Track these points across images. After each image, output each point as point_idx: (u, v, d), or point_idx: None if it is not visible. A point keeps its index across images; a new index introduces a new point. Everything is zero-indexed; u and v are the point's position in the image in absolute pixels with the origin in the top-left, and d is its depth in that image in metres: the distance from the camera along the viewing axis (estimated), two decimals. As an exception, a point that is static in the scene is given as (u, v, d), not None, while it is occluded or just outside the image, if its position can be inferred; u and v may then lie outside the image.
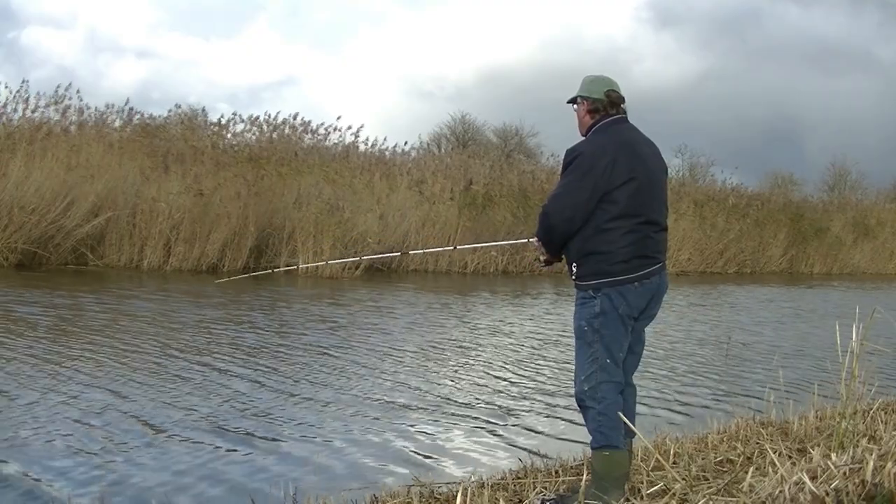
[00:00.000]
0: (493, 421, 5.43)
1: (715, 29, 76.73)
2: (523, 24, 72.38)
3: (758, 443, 4.28)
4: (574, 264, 3.29)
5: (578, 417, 3.59)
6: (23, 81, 16.34)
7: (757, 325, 12.12)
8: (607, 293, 3.20)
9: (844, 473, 3.20)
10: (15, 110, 15.83)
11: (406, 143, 31.39)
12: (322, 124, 20.98)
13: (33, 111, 16.05)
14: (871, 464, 3.21)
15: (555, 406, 5.93)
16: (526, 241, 3.94)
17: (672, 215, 4.51)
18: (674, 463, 3.78)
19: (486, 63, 67.41)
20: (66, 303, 9.81)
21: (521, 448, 4.74)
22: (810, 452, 3.65)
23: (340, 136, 20.72)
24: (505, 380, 6.86)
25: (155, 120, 18.77)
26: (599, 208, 3.19)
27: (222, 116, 24.03)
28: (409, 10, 77.19)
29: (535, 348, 8.69)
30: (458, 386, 6.50)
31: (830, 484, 3.09)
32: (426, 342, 8.65)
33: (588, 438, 3.28)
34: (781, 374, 5.92)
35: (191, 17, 72.36)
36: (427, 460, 4.50)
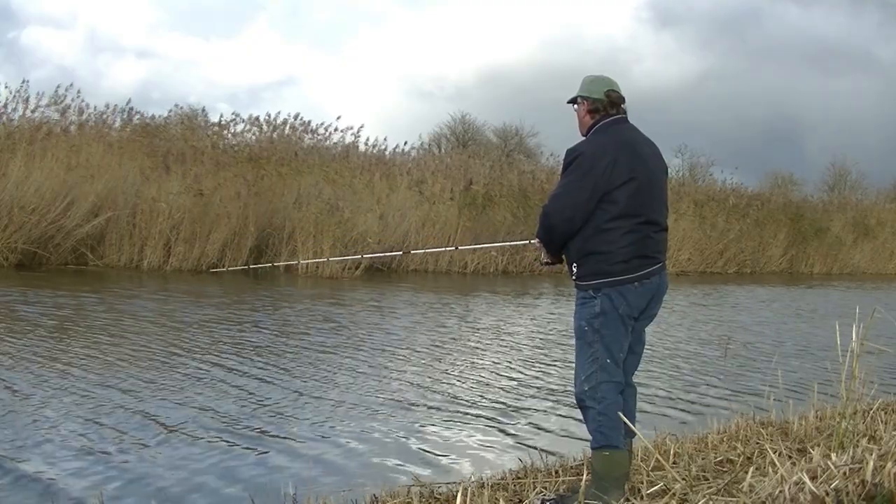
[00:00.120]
0: (493, 421, 5.43)
1: (715, 29, 76.79)
2: (523, 24, 72.44)
3: (758, 443, 4.28)
4: (574, 264, 3.29)
5: (578, 417, 3.60)
6: (23, 81, 16.35)
7: (757, 324, 12.12)
8: (607, 293, 3.20)
9: (844, 473, 3.20)
10: (15, 110, 15.85)
11: (406, 143, 31.39)
12: (322, 124, 21.02)
13: (33, 111, 16.06)
14: (871, 464, 3.21)
15: (555, 406, 5.94)
16: (527, 241, 3.94)
17: (672, 215, 4.50)
18: (674, 463, 3.79)
19: (486, 63, 67.47)
20: (69, 303, 9.82)
21: (521, 448, 4.74)
22: (810, 452, 3.65)
23: (341, 137, 20.76)
24: (505, 380, 6.86)
25: (155, 120, 18.81)
26: (599, 208, 3.19)
27: (222, 116, 24.02)
28: (409, 10, 77.26)
29: (535, 348, 8.69)
30: (458, 386, 6.50)
31: (830, 484, 3.09)
32: (427, 342, 8.65)
33: (588, 438, 3.28)
34: (781, 374, 5.91)
35: (191, 17, 72.44)
36: (427, 460, 4.50)
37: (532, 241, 3.57)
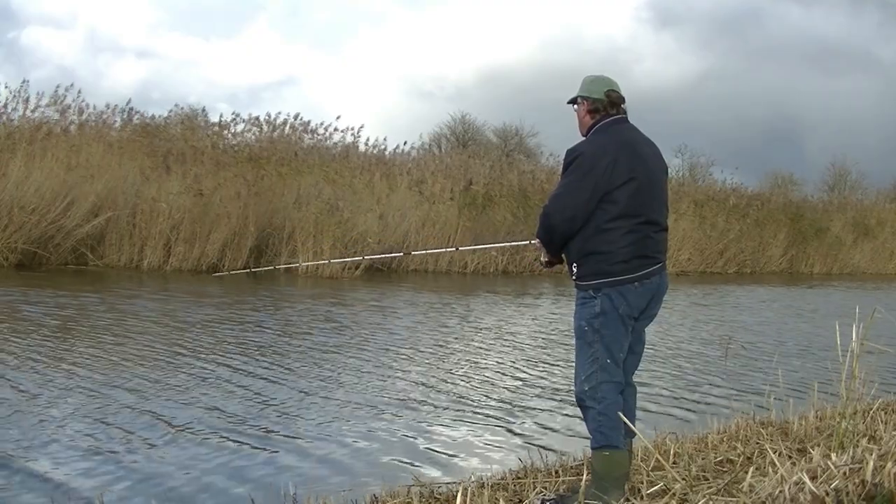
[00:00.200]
0: (493, 421, 5.43)
1: (715, 29, 76.78)
2: (523, 24, 72.44)
3: (758, 443, 4.28)
4: (574, 264, 3.29)
5: (578, 417, 3.60)
6: (23, 81, 16.35)
7: (757, 324, 12.12)
8: (607, 293, 3.20)
9: (844, 473, 3.20)
10: (15, 110, 15.84)
11: (406, 142, 31.39)
12: (322, 124, 21.02)
13: (33, 111, 16.06)
14: (871, 464, 3.21)
15: (555, 406, 5.94)
16: (527, 242, 3.94)
17: (672, 215, 4.49)
18: (674, 463, 3.79)
19: (486, 63, 67.46)
20: (71, 303, 9.82)
21: (521, 448, 4.74)
22: (810, 452, 3.65)
23: (341, 137, 20.77)
24: (506, 380, 6.86)
25: (155, 120, 18.81)
26: (600, 208, 3.19)
27: (222, 116, 24.02)
28: (409, 10, 77.24)
29: (536, 348, 8.69)
30: (459, 386, 6.50)
31: (830, 484, 3.09)
32: (429, 342, 8.65)
33: (588, 438, 3.28)
34: (782, 374, 5.92)
35: (191, 17, 72.41)
36: (427, 460, 4.50)
37: (532, 242, 3.57)
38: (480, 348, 8.50)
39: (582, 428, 3.54)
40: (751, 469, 3.50)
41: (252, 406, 5.48)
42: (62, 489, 3.76)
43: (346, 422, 5.20)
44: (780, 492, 3.03)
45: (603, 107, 3.35)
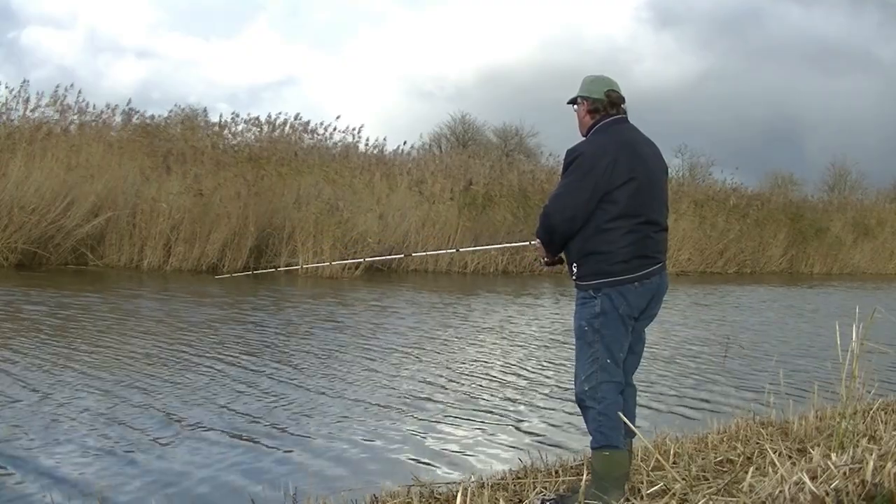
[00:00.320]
0: (493, 421, 5.43)
1: (715, 29, 76.80)
2: (523, 24, 72.46)
3: (758, 443, 4.28)
4: (574, 264, 3.29)
5: (579, 417, 3.59)
6: (23, 81, 16.35)
7: (757, 324, 12.12)
8: (608, 293, 3.20)
9: (844, 473, 3.20)
10: (15, 110, 15.85)
11: (406, 142, 31.41)
12: (321, 123, 21.02)
13: (33, 111, 16.07)
14: (871, 464, 3.21)
15: (555, 406, 5.94)
16: (527, 243, 3.93)
17: (672, 215, 4.50)
18: (674, 463, 3.79)
19: (486, 63, 67.48)
20: (74, 303, 9.83)
21: (521, 448, 4.74)
22: (810, 452, 3.65)
23: (342, 137, 20.77)
24: (506, 380, 6.86)
25: (155, 120, 18.81)
26: (600, 208, 3.19)
27: (222, 116, 24.03)
28: (409, 10, 77.27)
29: (537, 348, 8.69)
30: (460, 386, 6.50)
31: (830, 484, 3.09)
32: (429, 342, 8.65)
33: (588, 438, 3.28)
34: (782, 374, 5.92)
35: (191, 17, 72.45)
36: (427, 460, 4.50)
37: (532, 242, 3.57)
38: (481, 348, 8.49)
39: (582, 428, 3.55)
40: (751, 469, 3.50)
41: (252, 406, 5.48)
42: (65, 488, 3.77)
43: (346, 422, 5.20)
44: (780, 492, 3.03)
45: (603, 107, 3.35)
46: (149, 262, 14.70)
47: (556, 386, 6.66)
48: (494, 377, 6.94)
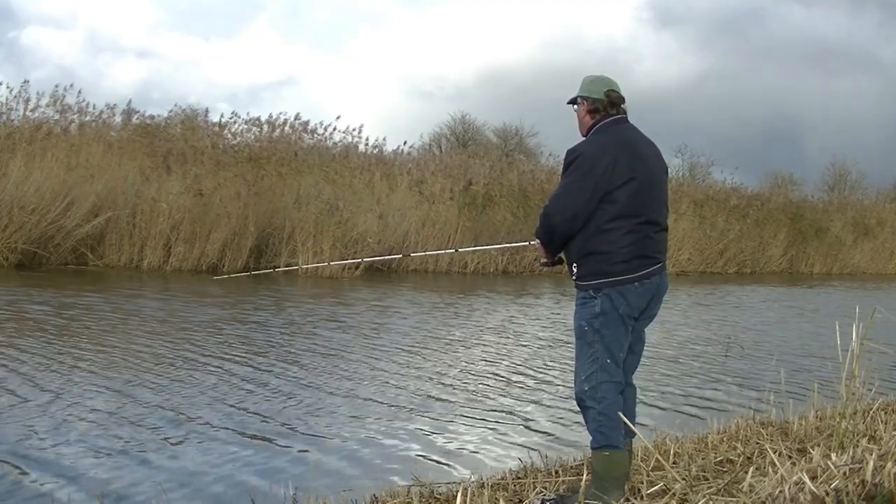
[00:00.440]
0: (494, 421, 5.44)
1: (715, 29, 76.83)
2: (523, 24, 72.47)
3: (758, 443, 4.28)
4: (574, 264, 3.29)
5: (579, 417, 3.59)
6: (24, 81, 16.36)
7: (758, 324, 12.12)
8: (608, 293, 3.20)
9: (844, 473, 3.20)
10: (15, 110, 15.85)
11: (406, 142, 31.42)
12: (321, 123, 21.02)
13: (33, 111, 16.07)
14: (871, 464, 3.21)
15: (555, 406, 5.94)
16: (525, 243, 3.93)
17: (672, 215, 4.50)
18: (674, 463, 3.78)
19: (486, 63, 67.49)
20: (76, 303, 9.84)
21: (521, 448, 4.74)
22: (810, 452, 3.64)
23: (342, 137, 20.77)
24: (507, 380, 6.86)
25: (155, 120, 18.81)
26: (600, 208, 3.19)
27: (222, 116, 24.03)
28: (409, 10, 77.29)
29: (536, 348, 8.69)
30: (461, 386, 6.50)
31: (830, 484, 3.09)
32: (431, 343, 8.65)
33: (588, 438, 3.28)
34: (782, 374, 5.92)
35: (191, 17, 72.48)
36: (427, 460, 4.50)
37: (531, 242, 3.57)
38: (485, 348, 8.49)
39: (582, 428, 3.54)
40: (751, 469, 3.50)
41: (262, 406, 5.48)
42: (78, 487, 3.79)
43: (356, 421, 5.21)
44: (780, 492, 3.03)
45: (603, 107, 3.35)
46: (149, 262, 14.70)
47: (556, 385, 6.66)
48: (494, 377, 6.94)
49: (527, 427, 5.34)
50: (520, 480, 3.69)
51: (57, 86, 17.43)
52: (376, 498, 3.51)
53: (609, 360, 3.20)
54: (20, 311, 8.88)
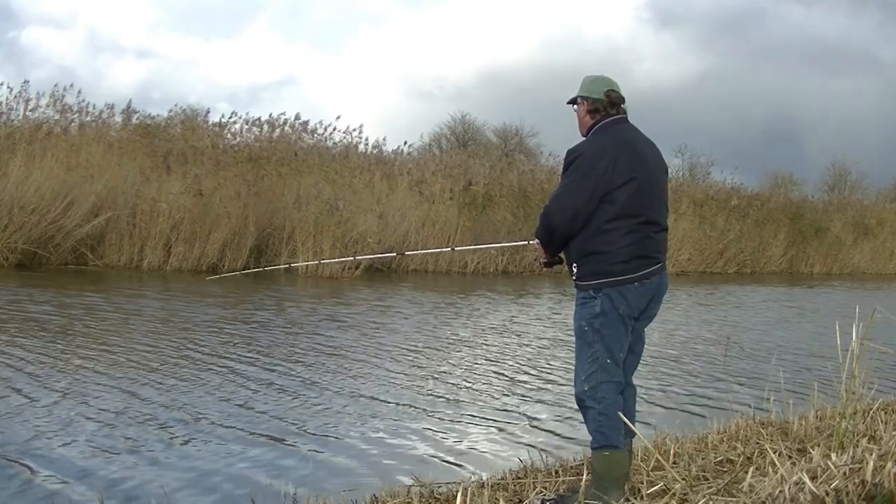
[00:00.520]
0: (494, 421, 5.44)
1: (715, 29, 76.83)
2: (523, 24, 72.46)
3: (758, 443, 4.28)
4: (574, 264, 3.29)
5: (578, 417, 3.59)
6: (24, 81, 16.36)
7: (758, 324, 12.12)
8: (608, 293, 3.20)
9: (844, 473, 3.20)
10: (15, 110, 15.85)
11: (406, 142, 31.42)
12: (321, 123, 21.02)
13: (33, 111, 16.07)
14: (871, 464, 3.21)
15: (556, 406, 5.94)
16: (525, 242, 3.93)
17: (672, 215, 4.51)
18: (674, 463, 3.78)
19: (486, 63, 67.48)
20: (76, 303, 9.84)
21: (521, 448, 4.74)
22: (810, 452, 3.64)
23: (343, 137, 20.78)
24: (508, 380, 6.86)
25: (155, 120, 18.81)
26: (600, 208, 3.19)
27: (222, 116, 24.02)
28: (409, 10, 77.29)
29: (538, 348, 8.69)
30: (461, 386, 6.51)
31: (830, 484, 3.09)
32: (431, 342, 8.65)
33: (588, 438, 3.28)
34: (782, 374, 5.92)
35: (191, 17, 72.48)
36: (427, 460, 4.50)
37: (531, 242, 3.57)
38: (488, 347, 8.49)
39: (582, 428, 3.54)
40: (751, 469, 3.50)
41: (259, 406, 5.49)
42: (88, 487, 3.79)
43: (342, 422, 5.20)
44: (780, 492, 3.03)
45: (603, 107, 3.35)
46: (149, 262, 14.70)
47: (556, 385, 6.66)
48: (494, 377, 6.95)
49: (526, 427, 5.33)
50: (520, 480, 3.69)
51: (57, 86, 17.44)
52: (376, 498, 3.51)
53: (609, 360, 3.20)
54: (22, 311, 8.88)
